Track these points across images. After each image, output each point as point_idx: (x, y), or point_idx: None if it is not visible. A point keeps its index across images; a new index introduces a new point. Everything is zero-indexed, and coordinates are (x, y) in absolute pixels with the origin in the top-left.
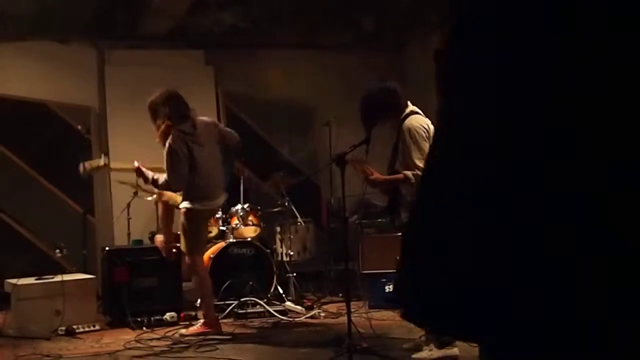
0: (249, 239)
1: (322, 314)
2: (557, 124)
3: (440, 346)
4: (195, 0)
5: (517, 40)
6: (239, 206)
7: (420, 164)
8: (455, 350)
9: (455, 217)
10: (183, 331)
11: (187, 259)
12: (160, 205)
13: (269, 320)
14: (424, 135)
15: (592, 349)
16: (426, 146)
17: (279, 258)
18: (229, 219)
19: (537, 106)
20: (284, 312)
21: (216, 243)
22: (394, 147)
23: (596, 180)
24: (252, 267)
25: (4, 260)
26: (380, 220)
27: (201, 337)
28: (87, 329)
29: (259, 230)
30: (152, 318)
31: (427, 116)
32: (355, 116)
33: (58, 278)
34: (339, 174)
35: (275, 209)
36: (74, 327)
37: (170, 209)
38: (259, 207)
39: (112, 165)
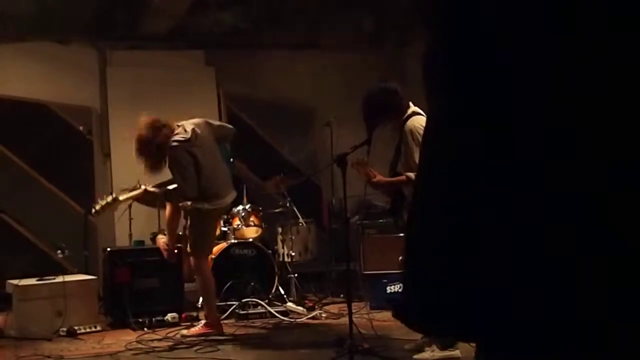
0: (251, 240)
1: (324, 315)
2: (557, 124)
3: (442, 347)
4: (195, 0)
5: (517, 40)
6: (240, 207)
7: None
8: (457, 352)
9: (454, 217)
10: (184, 332)
11: (191, 259)
12: (167, 208)
13: (270, 321)
14: None
15: (592, 349)
16: None
17: (281, 259)
18: (231, 220)
19: (537, 106)
20: (285, 313)
21: (218, 244)
22: (396, 148)
23: (596, 180)
24: (253, 268)
25: (5, 261)
26: (381, 220)
27: (202, 337)
28: (88, 330)
29: (260, 231)
30: (153, 319)
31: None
32: (355, 116)
33: (59, 279)
34: (340, 174)
35: (277, 210)
36: (76, 327)
37: (177, 211)
38: (260, 208)
39: (121, 197)
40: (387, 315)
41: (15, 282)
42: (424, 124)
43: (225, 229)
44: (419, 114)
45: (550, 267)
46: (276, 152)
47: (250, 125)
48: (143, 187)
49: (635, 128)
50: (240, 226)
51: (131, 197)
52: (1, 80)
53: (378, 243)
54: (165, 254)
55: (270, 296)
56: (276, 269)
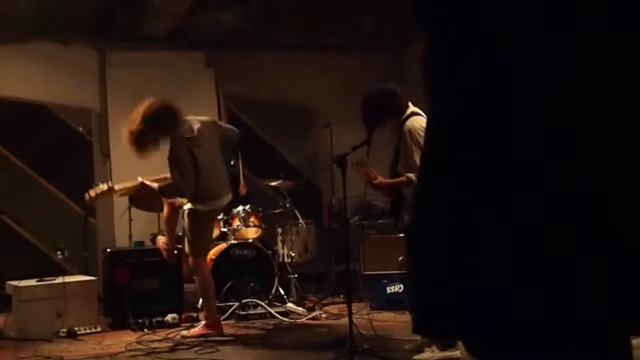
0: (250, 241)
1: (324, 315)
2: (557, 123)
3: (443, 348)
4: (195, 0)
5: (517, 40)
6: (240, 207)
7: None
8: (457, 353)
9: (455, 217)
10: (184, 333)
11: (190, 259)
12: (165, 208)
13: (270, 322)
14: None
15: (592, 349)
16: None
17: (280, 259)
18: (230, 221)
19: (537, 106)
20: (285, 314)
21: (218, 244)
22: (395, 148)
23: (596, 180)
24: (253, 269)
25: (5, 261)
26: (381, 221)
27: (202, 338)
28: (88, 331)
29: (260, 231)
30: (153, 320)
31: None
32: (355, 117)
33: (59, 280)
34: (340, 175)
35: (277, 210)
36: (75, 328)
37: (175, 210)
38: (260, 209)
39: (116, 187)
40: (387, 315)
41: (15, 283)
42: (423, 125)
43: (225, 229)
44: (418, 114)
45: (550, 267)
46: (276, 152)
47: (250, 126)
48: (140, 179)
49: (634, 128)
50: (240, 227)
51: (126, 188)
52: (1, 80)
53: (378, 243)
54: (164, 254)
55: (270, 297)
56: (276, 270)
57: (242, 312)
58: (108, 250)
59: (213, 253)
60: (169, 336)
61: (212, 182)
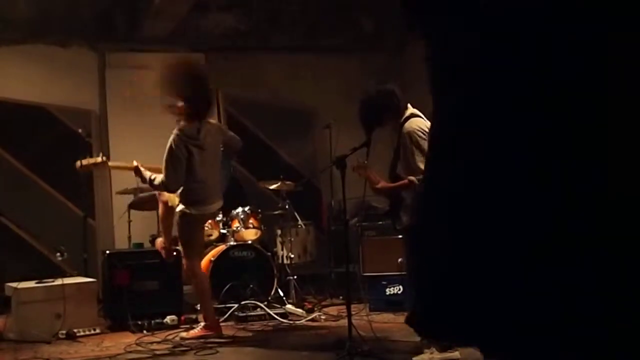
0: (250, 242)
1: (323, 317)
2: (556, 123)
3: (442, 349)
4: (195, 2)
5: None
6: (239, 209)
7: (424, 167)
8: (456, 354)
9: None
10: (184, 334)
11: (184, 262)
12: (160, 207)
13: (269, 323)
14: (424, 137)
15: (593, 349)
16: None
17: (280, 261)
18: (230, 222)
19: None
20: (284, 315)
21: (217, 246)
22: (395, 150)
23: (596, 180)
24: (252, 270)
25: (4, 263)
26: (380, 222)
27: (202, 340)
28: (87, 333)
29: (259, 233)
30: (152, 321)
31: (427, 118)
32: (355, 118)
33: (59, 281)
34: (340, 176)
35: (276, 212)
36: (75, 330)
37: (169, 210)
38: (259, 210)
39: (110, 163)
40: (386, 317)
41: (14, 284)
42: (422, 126)
43: (224, 231)
44: (418, 115)
45: (550, 268)
46: (276, 154)
47: (250, 128)
48: (135, 162)
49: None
50: (239, 228)
51: (120, 167)
52: (1, 83)
53: (377, 245)
54: (163, 254)
55: (270, 298)
56: (275, 271)
57: (241, 314)
58: (107, 251)
59: (212, 254)
60: (168, 338)
61: (207, 188)
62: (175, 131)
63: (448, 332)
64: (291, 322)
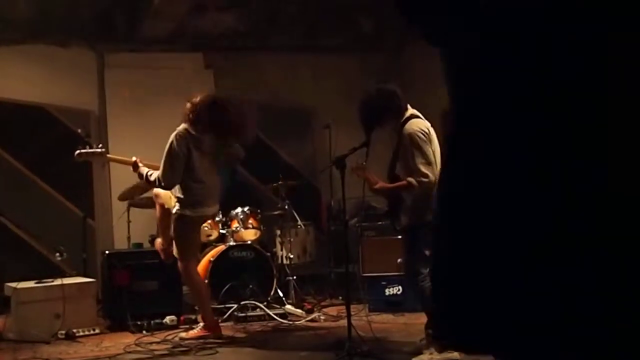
0: (249, 242)
1: (322, 317)
2: (556, 123)
3: (441, 349)
4: (195, 2)
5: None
6: (239, 209)
7: (424, 168)
8: (455, 355)
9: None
10: (183, 335)
11: (179, 264)
12: (157, 207)
13: (269, 324)
14: (424, 139)
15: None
16: (428, 150)
17: (279, 261)
18: (229, 222)
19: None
20: (284, 316)
21: (216, 246)
22: (394, 150)
23: (596, 180)
24: (252, 270)
25: (3, 263)
26: (380, 222)
27: (201, 340)
28: (87, 333)
29: (259, 233)
30: (152, 322)
31: (427, 119)
32: (355, 118)
33: (58, 281)
34: (339, 176)
35: (276, 212)
36: (74, 330)
37: (166, 212)
38: (259, 210)
39: (109, 155)
40: (386, 317)
41: (13, 284)
42: (422, 127)
43: (224, 231)
44: (417, 116)
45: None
46: (275, 154)
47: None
48: (134, 158)
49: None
50: (238, 228)
51: (118, 160)
52: (1, 83)
53: (377, 245)
54: (161, 254)
55: (269, 299)
56: (275, 272)
57: (240, 314)
58: (107, 252)
59: (212, 255)
60: (167, 338)
61: (204, 190)
62: (179, 128)
63: (449, 333)
64: (291, 322)
